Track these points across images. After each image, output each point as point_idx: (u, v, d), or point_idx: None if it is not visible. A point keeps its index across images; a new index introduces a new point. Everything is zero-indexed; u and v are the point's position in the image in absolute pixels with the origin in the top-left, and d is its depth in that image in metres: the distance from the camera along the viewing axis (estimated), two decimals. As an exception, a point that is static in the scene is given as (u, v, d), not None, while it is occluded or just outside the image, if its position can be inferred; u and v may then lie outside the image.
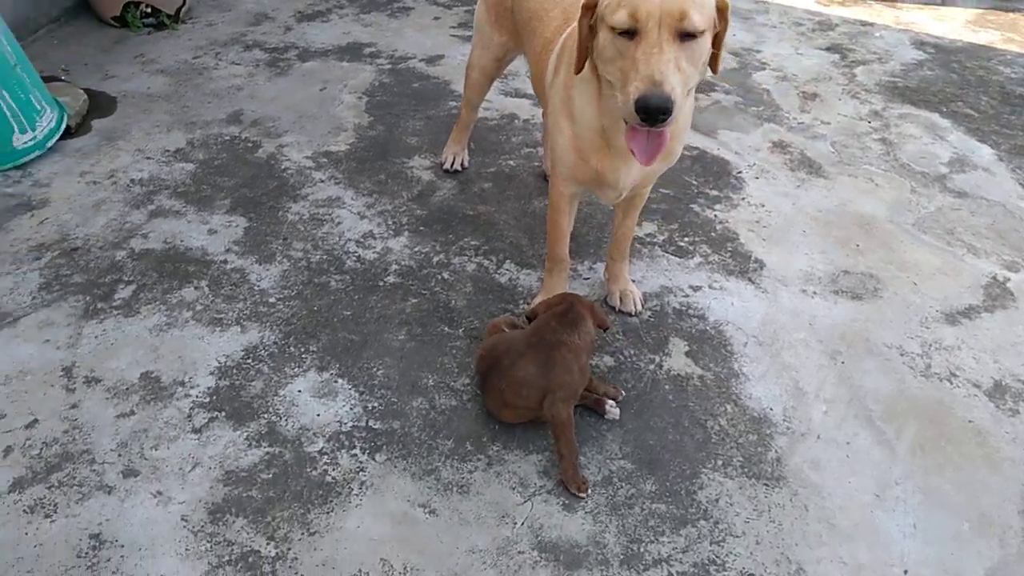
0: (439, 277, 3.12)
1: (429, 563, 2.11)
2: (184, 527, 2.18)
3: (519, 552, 2.15)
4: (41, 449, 2.37)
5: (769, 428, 2.57)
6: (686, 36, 1.81)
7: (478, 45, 3.16)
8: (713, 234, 3.49)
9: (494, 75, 3.27)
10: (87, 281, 3.03)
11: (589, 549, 2.18)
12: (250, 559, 2.11)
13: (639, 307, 2.92)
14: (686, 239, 3.45)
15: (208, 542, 2.15)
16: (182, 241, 3.27)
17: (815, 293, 3.19)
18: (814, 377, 2.77)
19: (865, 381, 2.78)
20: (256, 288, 3.02)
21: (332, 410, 2.53)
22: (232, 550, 2.13)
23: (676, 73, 1.78)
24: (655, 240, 3.42)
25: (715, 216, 3.62)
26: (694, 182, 3.84)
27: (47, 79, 4.09)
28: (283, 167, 3.78)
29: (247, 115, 4.20)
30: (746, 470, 2.43)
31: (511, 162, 3.89)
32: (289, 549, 2.13)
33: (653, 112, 1.75)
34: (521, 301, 3.01)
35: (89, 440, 2.41)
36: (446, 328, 2.87)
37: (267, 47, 4.95)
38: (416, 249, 3.27)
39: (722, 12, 1.93)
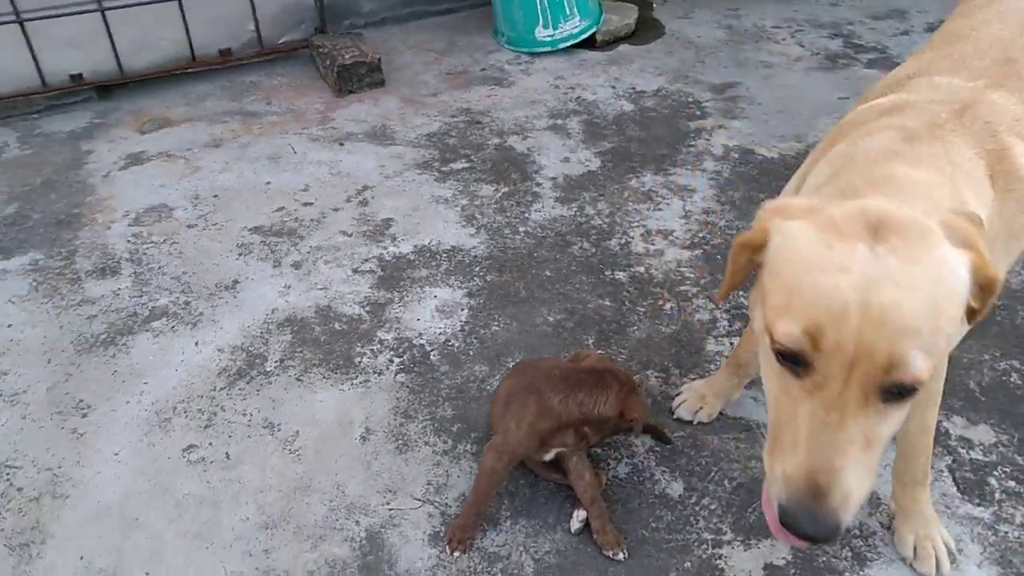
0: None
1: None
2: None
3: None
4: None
5: None
6: (894, 394, 1.06)
7: None
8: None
9: None
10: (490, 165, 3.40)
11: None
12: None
13: (946, 568, 1.77)
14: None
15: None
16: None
17: None
18: None
19: None
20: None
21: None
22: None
23: (861, 460, 1.06)
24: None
25: None
26: None
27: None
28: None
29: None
30: None
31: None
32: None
33: (805, 538, 1.09)
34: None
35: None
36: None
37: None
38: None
39: (986, 290, 1.10)
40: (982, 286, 1.10)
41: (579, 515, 1.89)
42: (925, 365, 1.02)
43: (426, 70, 4.15)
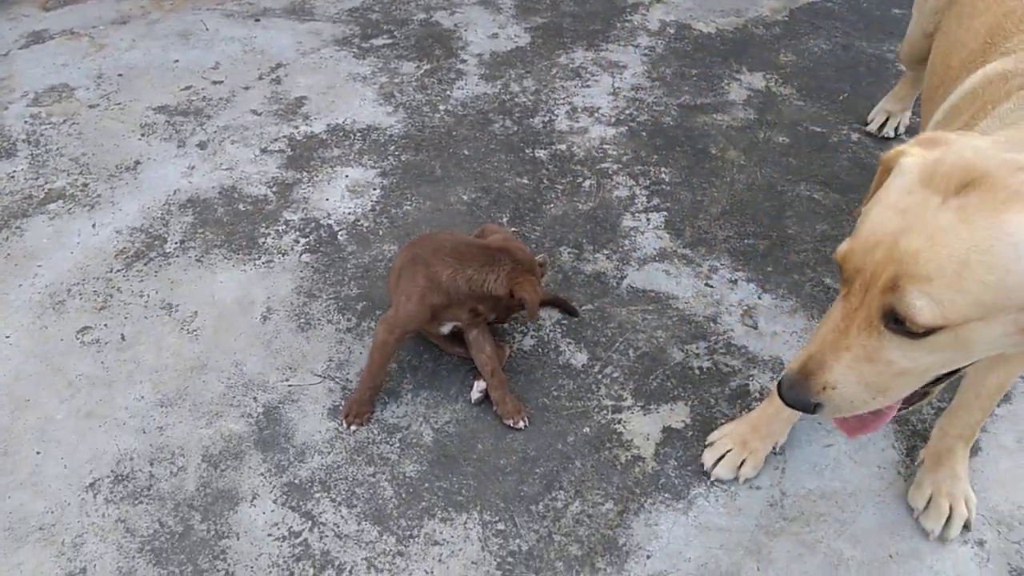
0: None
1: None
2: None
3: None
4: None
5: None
6: (899, 326, 1.11)
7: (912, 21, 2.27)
8: None
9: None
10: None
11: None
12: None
13: (954, 530, 1.65)
14: None
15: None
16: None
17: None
18: None
19: None
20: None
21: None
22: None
23: (855, 366, 1.17)
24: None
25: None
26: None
27: None
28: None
29: None
30: None
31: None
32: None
33: (790, 405, 1.26)
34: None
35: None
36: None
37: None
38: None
39: None
40: None
41: (479, 386, 1.87)
42: (927, 308, 1.06)
43: (353, -57, 3.89)
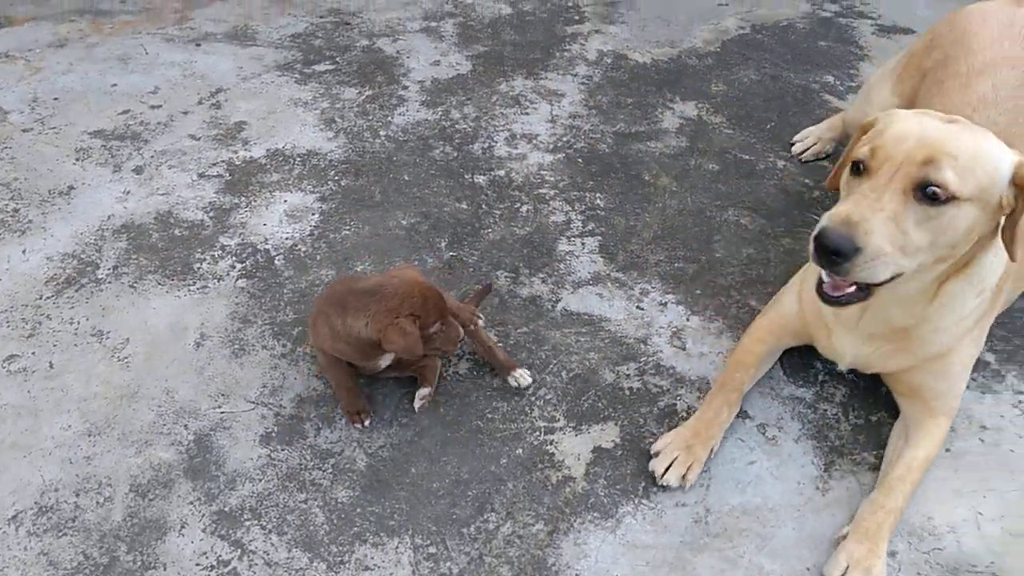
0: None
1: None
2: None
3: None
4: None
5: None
6: (927, 196, 1.42)
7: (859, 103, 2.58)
8: None
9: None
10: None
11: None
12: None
13: None
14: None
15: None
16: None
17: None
18: None
19: None
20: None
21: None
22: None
23: (887, 224, 1.42)
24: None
25: None
26: None
27: None
28: None
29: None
30: None
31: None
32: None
33: (825, 249, 1.43)
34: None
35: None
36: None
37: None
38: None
39: (1021, 188, 1.46)
40: (1018, 185, 1.44)
41: (421, 393, 1.90)
42: (954, 179, 1.39)
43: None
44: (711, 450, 1.83)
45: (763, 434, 1.92)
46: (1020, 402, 2.03)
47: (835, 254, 1.42)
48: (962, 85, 1.98)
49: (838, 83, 3.17)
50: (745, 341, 1.99)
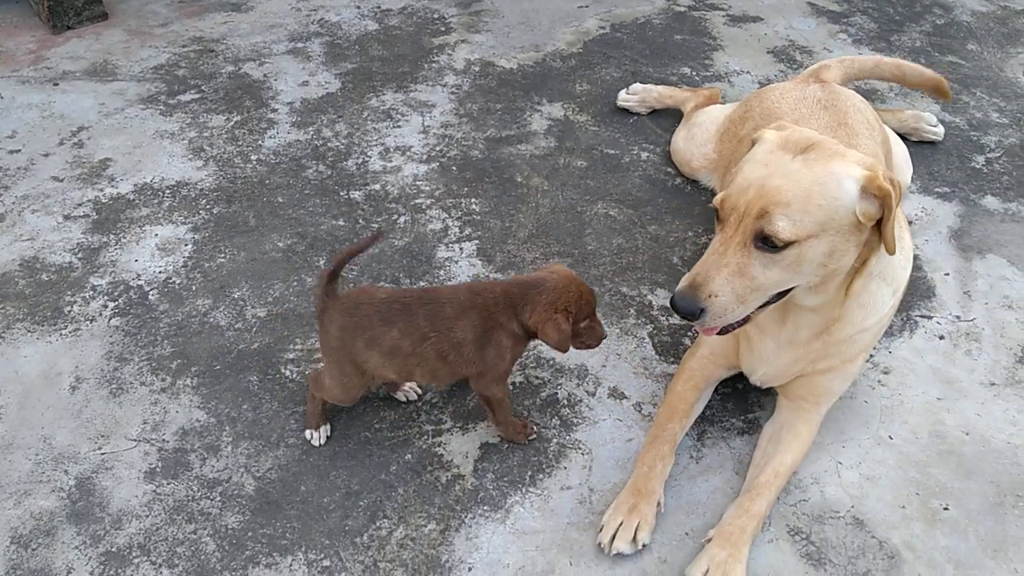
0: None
1: None
2: None
3: None
4: None
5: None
6: (767, 244, 1.54)
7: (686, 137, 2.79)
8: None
9: None
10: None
11: None
12: None
13: None
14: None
15: None
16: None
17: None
18: None
19: None
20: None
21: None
22: None
23: (731, 280, 1.57)
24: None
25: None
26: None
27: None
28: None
29: None
30: None
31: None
32: None
33: (679, 313, 1.61)
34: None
35: None
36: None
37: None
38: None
39: (882, 200, 1.54)
40: (877, 196, 1.52)
41: (325, 430, 1.93)
42: (786, 227, 1.51)
43: None
44: (657, 503, 1.79)
45: (639, 411, 2.03)
46: (871, 356, 2.21)
47: (685, 316, 1.59)
48: None
49: (694, 73, 3.35)
50: (678, 387, 1.97)
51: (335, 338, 1.73)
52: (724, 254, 1.58)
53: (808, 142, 1.58)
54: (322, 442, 1.91)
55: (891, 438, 1.99)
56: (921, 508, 1.84)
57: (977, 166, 2.90)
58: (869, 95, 3.18)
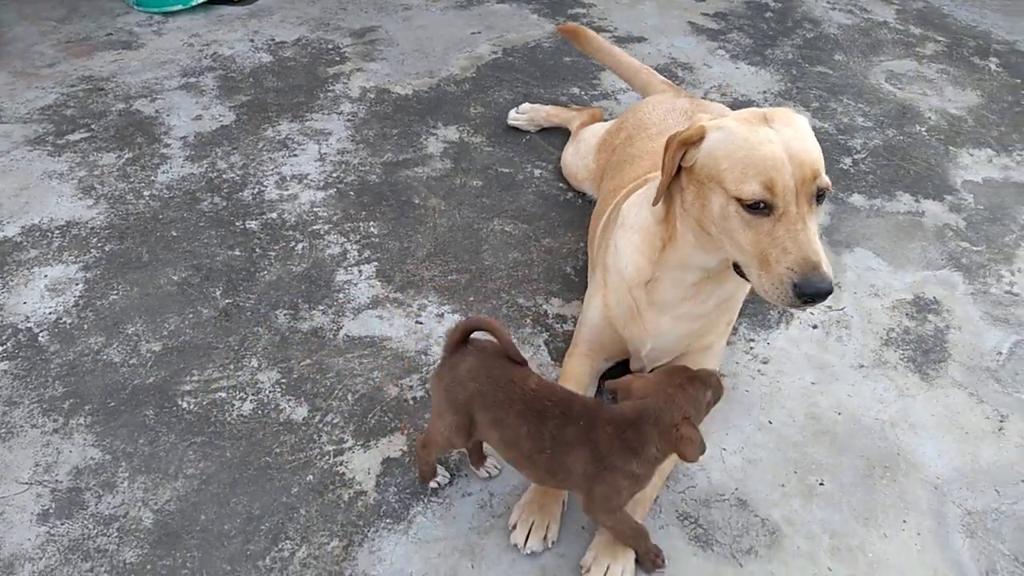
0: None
1: None
2: None
3: None
4: None
5: None
6: (820, 197, 1.64)
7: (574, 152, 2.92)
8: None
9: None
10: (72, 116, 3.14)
11: None
12: None
13: None
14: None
15: None
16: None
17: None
18: None
19: None
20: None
21: None
22: None
23: (819, 242, 1.62)
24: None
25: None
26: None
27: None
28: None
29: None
30: None
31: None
32: None
33: (819, 298, 1.58)
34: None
35: None
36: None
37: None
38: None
39: None
40: None
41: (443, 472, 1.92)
42: (826, 176, 1.62)
43: (43, 40, 3.77)
44: (562, 501, 1.86)
45: (536, 416, 2.10)
46: (751, 348, 2.35)
47: (826, 297, 1.58)
48: (643, 152, 2.34)
49: (583, 93, 3.49)
50: (568, 365, 2.07)
51: (461, 391, 1.66)
52: (807, 227, 1.59)
53: (759, 112, 1.67)
54: (447, 481, 1.91)
55: (771, 423, 2.12)
56: (799, 485, 1.97)
57: (845, 167, 3.12)
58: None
